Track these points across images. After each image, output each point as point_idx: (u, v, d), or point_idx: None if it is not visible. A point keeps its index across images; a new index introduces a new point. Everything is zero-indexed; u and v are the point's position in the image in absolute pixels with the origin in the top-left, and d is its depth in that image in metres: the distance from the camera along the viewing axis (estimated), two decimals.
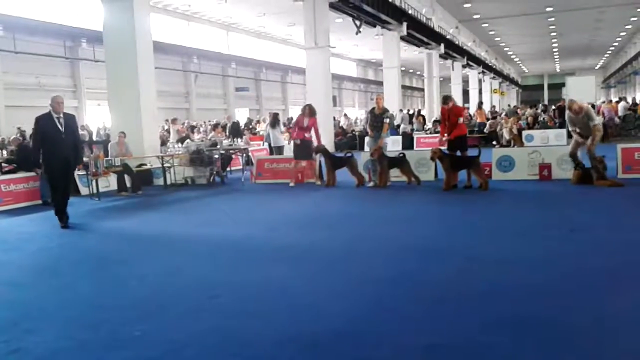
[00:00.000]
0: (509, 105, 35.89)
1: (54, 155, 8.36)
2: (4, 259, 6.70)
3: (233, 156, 15.56)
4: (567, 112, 10.54)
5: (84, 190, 12.39)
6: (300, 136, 12.32)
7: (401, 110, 27.51)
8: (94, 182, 11.73)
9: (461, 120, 10.89)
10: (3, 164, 13.68)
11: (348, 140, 24.35)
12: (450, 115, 10.72)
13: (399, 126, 24.06)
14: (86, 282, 5.50)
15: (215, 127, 18.18)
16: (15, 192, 11.14)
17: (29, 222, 9.37)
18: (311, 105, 12.61)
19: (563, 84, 33.06)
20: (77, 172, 12.35)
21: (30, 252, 7.09)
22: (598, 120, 10.93)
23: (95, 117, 28.73)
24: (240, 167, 15.37)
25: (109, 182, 12.69)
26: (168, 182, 13.45)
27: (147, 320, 4.29)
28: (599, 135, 10.27)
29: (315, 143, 12.42)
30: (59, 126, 8.37)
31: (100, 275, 5.75)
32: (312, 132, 12.38)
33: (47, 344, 3.91)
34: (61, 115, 8.50)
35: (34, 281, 5.65)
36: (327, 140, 22.69)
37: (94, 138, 22.84)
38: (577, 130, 10.28)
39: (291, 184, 12.40)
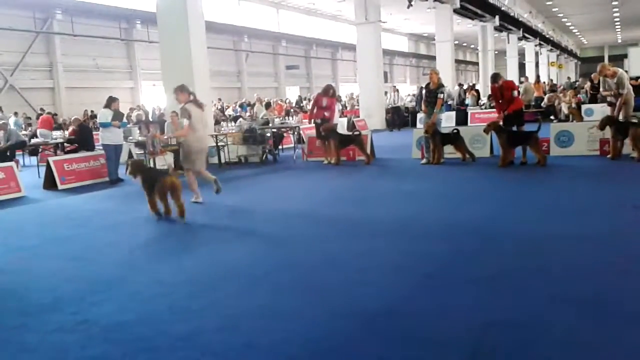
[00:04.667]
0: (568, 78, 34.48)
1: None
2: (69, 235, 6.99)
3: (285, 134, 15.66)
4: (600, 77, 10.50)
5: None
6: (320, 115, 12.44)
7: (461, 85, 26.91)
8: (151, 161, 12.04)
9: (516, 93, 10.61)
10: (65, 144, 14.21)
11: (400, 116, 24.05)
12: (504, 91, 10.46)
13: (463, 101, 23.79)
14: (145, 257, 5.67)
15: (267, 106, 18.29)
16: (77, 171, 11.57)
17: (92, 200, 9.71)
18: (333, 86, 13.02)
19: (625, 55, 31.46)
20: (135, 151, 12.75)
21: (93, 228, 7.36)
22: (628, 90, 10.50)
23: (150, 98, 29.39)
24: (292, 145, 15.48)
25: (166, 161, 12.99)
26: (222, 160, 13.68)
27: (204, 295, 4.40)
28: (626, 106, 10.05)
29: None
30: None
31: (158, 251, 5.93)
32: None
33: (111, 316, 4.06)
34: None
35: (97, 256, 5.86)
36: (379, 117, 22.56)
37: (150, 118, 23.37)
38: (612, 94, 10.06)
39: (325, 162, 12.40)
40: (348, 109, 25.74)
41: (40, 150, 14.81)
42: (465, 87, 27.04)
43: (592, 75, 23.07)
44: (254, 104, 22.82)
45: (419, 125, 16.52)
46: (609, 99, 10.20)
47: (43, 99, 25.96)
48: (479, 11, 32.74)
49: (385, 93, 25.06)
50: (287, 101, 31.41)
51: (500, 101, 10.56)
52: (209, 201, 8.98)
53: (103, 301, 4.40)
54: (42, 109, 23.91)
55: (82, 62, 27.28)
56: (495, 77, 10.79)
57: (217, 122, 17.05)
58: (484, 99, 24.82)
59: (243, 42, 36.29)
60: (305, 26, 41.44)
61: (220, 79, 33.06)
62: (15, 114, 21.77)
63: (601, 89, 10.64)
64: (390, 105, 22.55)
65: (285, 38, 39.35)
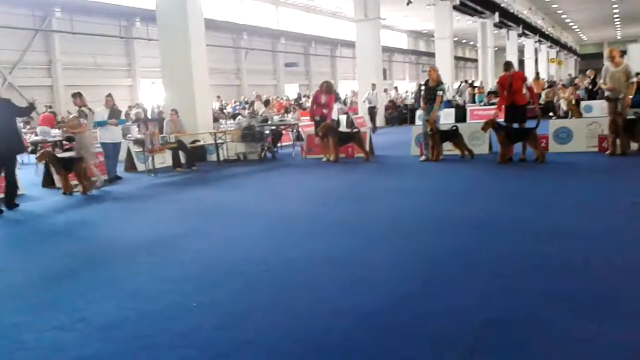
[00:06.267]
0: (569, 75, 34.41)
1: None
2: (67, 232, 6.99)
3: (283, 132, 15.65)
4: (606, 62, 10.27)
5: (140, 167, 12.75)
6: (318, 113, 12.42)
7: (466, 82, 26.78)
8: (150, 159, 12.04)
9: (527, 84, 10.51)
10: (64, 142, 14.20)
11: (398, 113, 24.04)
12: (513, 81, 10.31)
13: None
14: (144, 255, 5.67)
15: (266, 103, 18.26)
16: None
17: (91, 197, 9.70)
18: (330, 83, 12.86)
19: (624, 52, 31.40)
20: (134, 149, 12.73)
21: (91, 226, 7.36)
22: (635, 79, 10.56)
23: (149, 95, 29.34)
24: (291, 142, 15.47)
25: (164, 159, 13.00)
26: (221, 157, 13.67)
27: (204, 292, 4.40)
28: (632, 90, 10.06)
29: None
30: None
31: (158, 249, 5.92)
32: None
33: (109, 314, 4.06)
34: None
35: (95, 254, 5.86)
36: (378, 114, 22.49)
37: (149, 116, 23.34)
38: (606, 85, 10.04)
39: (323, 159, 12.39)
40: (348, 106, 25.69)
41: (38, 148, 14.79)
42: (477, 84, 26.87)
43: (588, 72, 23.10)
44: (253, 102, 22.73)
45: (418, 122, 16.48)
46: (607, 93, 10.15)
47: (42, 97, 25.79)
48: (478, 8, 32.71)
49: (385, 90, 25.03)
50: (286, 98, 31.40)
51: (506, 92, 10.43)
52: (207, 199, 8.99)
53: (101, 299, 4.40)
54: (45, 106, 23.84)
55: (81, 60, 27.21)
56: (508, 65, 10.63)
57: (215, 120, 17.02)
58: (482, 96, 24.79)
59: (242, 39, 36.22)
60: (305, 23, 41.38)
61: (220, 76, 32.97)
62: None
63: (601, 81, 10.54)
64: (367, 105, 20.82)
65: (284, 35, 39.28)
